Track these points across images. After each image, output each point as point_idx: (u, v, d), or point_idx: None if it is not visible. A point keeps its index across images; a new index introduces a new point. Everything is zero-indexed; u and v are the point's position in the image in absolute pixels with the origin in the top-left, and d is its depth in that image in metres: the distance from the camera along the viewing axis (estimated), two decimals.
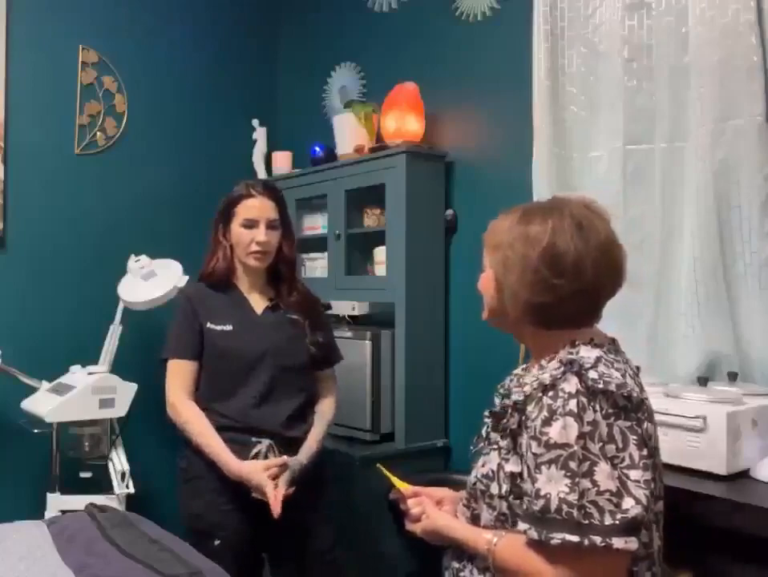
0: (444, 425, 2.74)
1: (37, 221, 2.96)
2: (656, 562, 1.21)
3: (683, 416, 1.52)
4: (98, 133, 3.11)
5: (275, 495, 1.83)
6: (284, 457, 1.91)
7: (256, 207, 1.99)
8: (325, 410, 2.08)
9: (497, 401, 1.42)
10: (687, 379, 1.88)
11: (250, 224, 1.98)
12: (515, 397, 1.26)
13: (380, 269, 2.80)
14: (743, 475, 1.51)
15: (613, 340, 1.29)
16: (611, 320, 1.35)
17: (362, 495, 2.44)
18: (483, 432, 1.36)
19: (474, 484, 1.29)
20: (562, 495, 1.08)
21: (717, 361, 1.89)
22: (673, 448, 1.53)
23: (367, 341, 2.63)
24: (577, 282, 1.20)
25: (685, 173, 1.98)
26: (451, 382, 2.74)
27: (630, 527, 1.07)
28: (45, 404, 2.52)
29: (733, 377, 1.74)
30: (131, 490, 2.56)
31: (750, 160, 1.82)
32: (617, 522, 1.07)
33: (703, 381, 1.66)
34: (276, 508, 1.82)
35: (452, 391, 2.74)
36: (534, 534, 1.11)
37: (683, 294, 1.94)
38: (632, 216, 2.06)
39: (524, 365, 1.45)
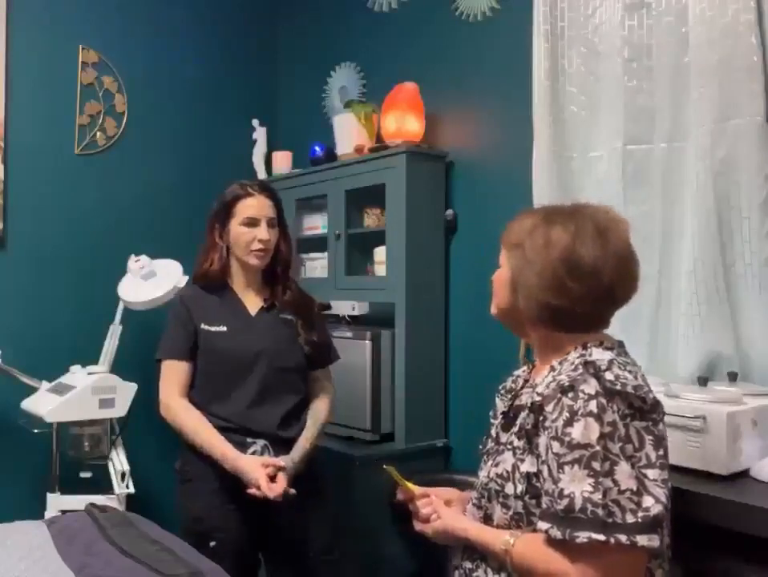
0: (444, 425, 2.74)
1: (37, 221, 2.96)
2: (666, 559, 1.23)
3: (683, 416, 1.52)
4: (98, 133, 3.11)
5: (269, 487, 1.82)
6: (281, 461, 1.90)
7: (257, 205, 1.99)
8: (319, 410, 2.07)
9: (499, 402, 1.42)
10: (687, 379, 1.88)
11: (251, 222, 1.98)
12: (527, 397, 1.27)
13: (380, 269, 2.80)
14: (743, 475, 1.50)
15: (621, 343, 1.30)
16: (611, 320, 1.35)
17: (362, 495, 2.45)
18: (492, 432, 1.37)
19: (487, 484, 1.29)
20: (586, 495, 1.10)
21: (717, 361, 1.89)
22: (673, 448, 1.51)
23: (367, 341, 2.63)
24: (593, 287, 1.22)
25: (685, 173, 1.97)
26: (451, 382, 2.74)
27: (652, 525, 1.09)
28: (45, 404, 2.52)
29: (733, 377, 1.74)
30: (131, 490, 2.56)
31: (750, 160, 1.82)
32: (639, 520, 1.09)
33: (703, 381, 1.66)
34: (273, 493, 1.81)
35: (452, 391, 2.74)
36: (557, 533, 1.12)
37: (683, 294, 1.94)
38: (632, 216, 2.04)
39: (526, 367, 1.45)
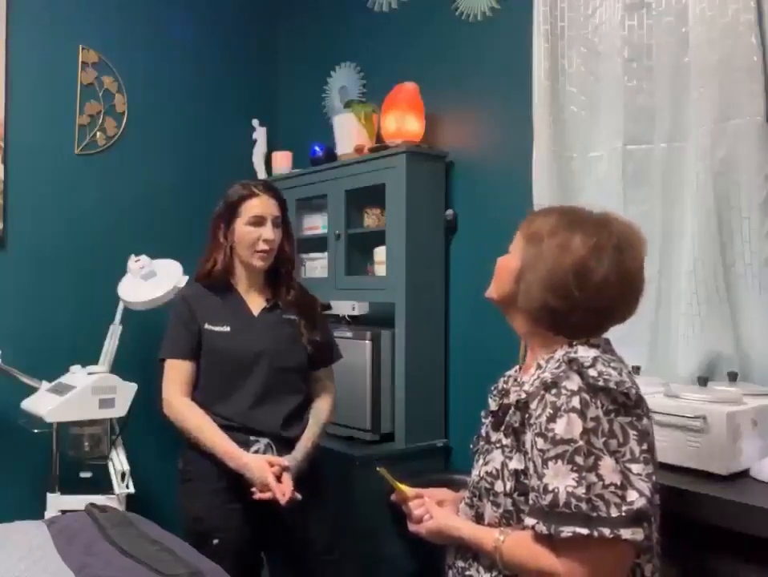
0: (444, 425, 2.74)
1: (37, 221, 2.96)
2: (655, 555, 1.24)
3: (683, 416, 1.52)
4: (98, 133, 3.11)
5: (279, 488, 1.83)
6: (285, 460, 1.90)
7: (262, 205, 2.00)
8: (320, 409, 2.08)
9: (491, 402, 1.43)
10: (687, 379, 1.88)
11: (257, 222, 1.98)
12: (515, 396, 1.28)
13: (380, 269, 2.80)
14: (743, 475, 1.50)
15: (607, 341, 1.31)
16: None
17: (362, 495, 2.44)
18: (483, 431, 1.38)
19: (478, 482, 1.30)
20: (570, 489, 1.11)
21: (717, 361, 1.89)
22: (673, 448, 1.53)
23: (367, 341, 2.63)
24: (596, 299, 1.23)
25: (685, 173, 1.97)
26: (451, 382, 2.74)
27: (636, 518, 1.10)
28: (45, 404, 2.52)
29: (733, 377, 1.74)
30: (131, 490, 2.56)
31: (750, 160, 1.82)
32: (623, 513, 1.09)
33: (703, 381, 1.66)
34: (283, 498, 1.82)
35: (452, 391, 2.74)
36: (543, 528, 1.13)
37: (683, 294, 1.94)
38: (632, 216, 2.03)
39: (517, 367, 1.46)
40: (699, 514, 1.39)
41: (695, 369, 1.88)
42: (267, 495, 1.83)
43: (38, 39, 2.96)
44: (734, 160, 1.85)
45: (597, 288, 1.22)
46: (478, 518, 1.30)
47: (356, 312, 2.84)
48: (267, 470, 1.84)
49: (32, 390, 2.65)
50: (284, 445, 1.97)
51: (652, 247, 2.02)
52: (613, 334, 1.36)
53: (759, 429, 1.55)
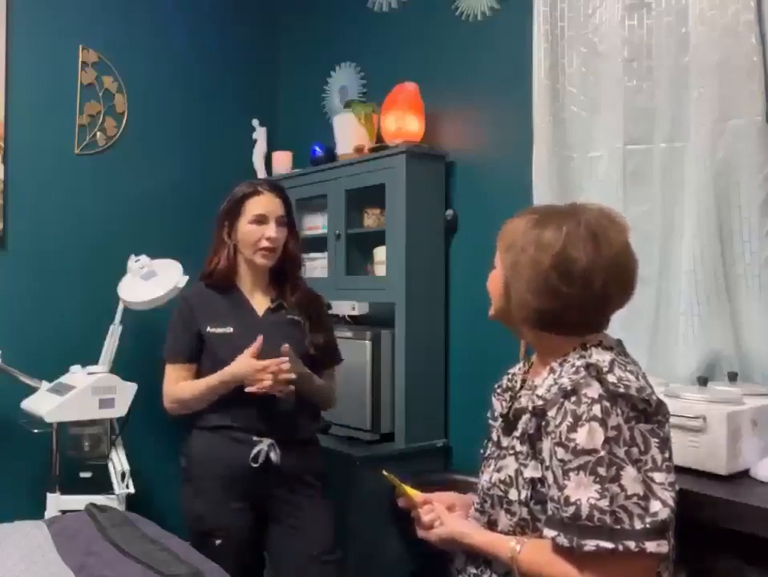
0: (444, 425, 2.74)
1: (37, 221, 2.96)
2: (671, 561, 1.22)
3: (683, 416, 1.52)
4: (98, 133, 3.11)
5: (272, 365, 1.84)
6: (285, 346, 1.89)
7: (266, 203, 1.99)
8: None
9: (496, 402, 1.41)
10: (687, 379, 1.88)
11: (260, 220, 1.97)
12: (526, 400, 1.25)
13: (380, 269, 2.80)
14: (743, 475, 1.50)
15: (619, 342, 1.28)
16: (611, 319, 1.35)
17: (362, 495, 2.44)
18: (494, 436, 1.34)
19: (489, 489, 1.27)
20: (592, 501, 1.08)
21: (717, 361, 1.89)
22: (673, 448, 1.52)
23: (367, 341, 2.63)
24: (586, 291, 1.19)
25: (685, 173, 1.97)
26: (451, 382, 2.74)
27: (660, 530, 1.08)
28: (45, 404, 2.52)
29: (733, 377, 1.74)
30: (131, 490, 2.56)
31: (750, 160, 1.83)
32: (648, 525, 1.07)
33: (703, 381, 1.66)
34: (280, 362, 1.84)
35: (452, 391, 2.74)
36: (564, 541, 1.10)
37: (683, 294, 1.94)
38: (632, 216, 2.05)
39: (521, 365, 1.43)
40: (699, 515, 1.39)
41: (695, 369, 1.88)
42: (265, 382, 1.84)
43: (38, 39, 2.96)
44: (734, 160, 1.86)
45: (583, 279, 1.19)
46: (491, 525, 1.27)
47: (356, 312, 2.84)
48: (251, 357, 1.85)
49: (32, 390, 2.65)
50: (289, 445, 1.96)
51: (652, 247, 2.03)
52: (612, 334, 1.36)
53: (759, 429, 1.55)
